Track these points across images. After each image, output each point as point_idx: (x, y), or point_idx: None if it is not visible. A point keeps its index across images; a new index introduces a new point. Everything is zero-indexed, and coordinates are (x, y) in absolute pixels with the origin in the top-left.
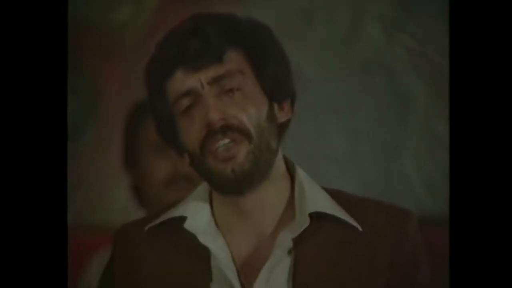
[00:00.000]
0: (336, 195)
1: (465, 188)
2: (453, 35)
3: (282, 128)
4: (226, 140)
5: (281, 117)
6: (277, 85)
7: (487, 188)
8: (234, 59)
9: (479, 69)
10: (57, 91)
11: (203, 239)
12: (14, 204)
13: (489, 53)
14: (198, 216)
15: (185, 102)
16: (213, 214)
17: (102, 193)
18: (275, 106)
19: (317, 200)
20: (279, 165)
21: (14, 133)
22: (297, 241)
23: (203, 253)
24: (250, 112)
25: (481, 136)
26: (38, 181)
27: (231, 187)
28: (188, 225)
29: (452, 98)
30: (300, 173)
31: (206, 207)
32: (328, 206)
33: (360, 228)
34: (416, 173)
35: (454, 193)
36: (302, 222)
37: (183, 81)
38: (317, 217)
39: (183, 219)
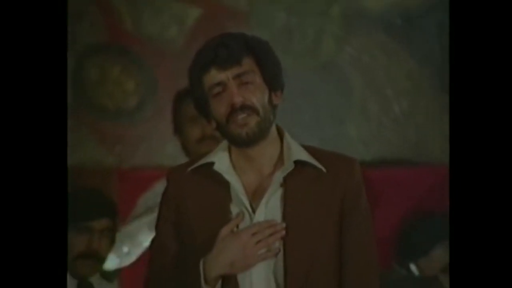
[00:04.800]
0: (309, 149)
1: (464, 140)
2: (453, 35)
3: (275, 108)
4: (244, 115)
5: (275, 101)
6: (273, 80)
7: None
8: (248, 63)
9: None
10: (58, 82)
11: (226, 176)
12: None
13: (485, 49)
14: (222, 161)
15: (216, 89)
16: (231, 160)
17: (160, 146)
18: (272, 93)
19: (298, 152)
20: (273, 130)
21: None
22: (286, 178)
23: (226, 185)
24: (259, 97)
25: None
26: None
27: (244, 143)
28: (216, 167)
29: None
30: (287, 136)
31: (227, 155)
32: (305, 156)
33: (324, 170)
34: (356, 135)
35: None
36: (289, 166)
37: (215, 76)
38: (298, 163)
39: (212, 163)
